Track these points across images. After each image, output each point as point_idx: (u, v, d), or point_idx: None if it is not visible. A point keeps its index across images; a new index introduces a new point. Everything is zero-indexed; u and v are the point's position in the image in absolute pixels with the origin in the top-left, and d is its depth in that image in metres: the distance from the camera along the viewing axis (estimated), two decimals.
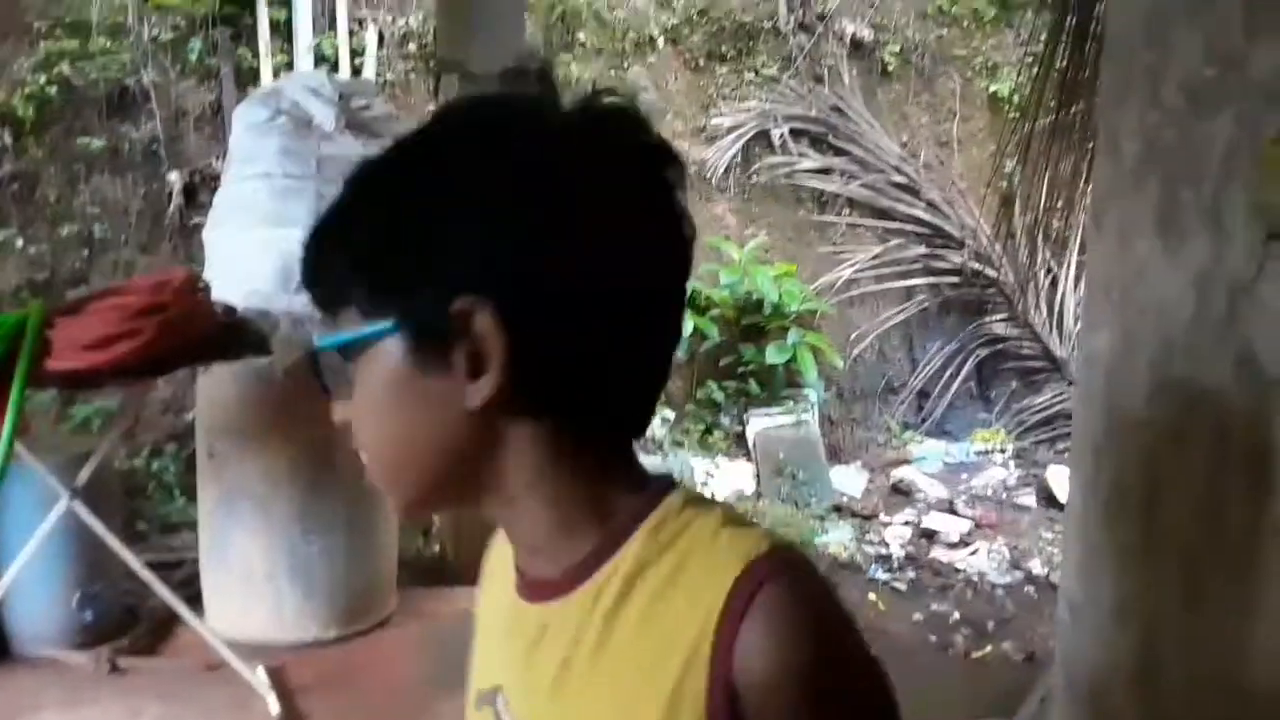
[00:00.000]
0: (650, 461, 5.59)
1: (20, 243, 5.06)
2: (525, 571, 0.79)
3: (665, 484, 0.77)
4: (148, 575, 3.29)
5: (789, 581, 0.69)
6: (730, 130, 6.49)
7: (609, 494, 0.75)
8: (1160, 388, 1.64)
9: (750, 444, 5.79)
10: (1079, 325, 2.10)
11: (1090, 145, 3.21)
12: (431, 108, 5.35)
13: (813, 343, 5.99)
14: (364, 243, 0.71)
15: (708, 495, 0.83)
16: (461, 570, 4.20)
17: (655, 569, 0.72)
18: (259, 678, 3.24)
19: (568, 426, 0.72)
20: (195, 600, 3.60)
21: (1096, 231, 1.84)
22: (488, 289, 0.67)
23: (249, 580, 3.59)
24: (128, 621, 3.66)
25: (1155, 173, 1.65)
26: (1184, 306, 1.60)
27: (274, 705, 3.16)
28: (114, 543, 3.28)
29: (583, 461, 0.73)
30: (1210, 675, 1.54)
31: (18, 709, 3.21)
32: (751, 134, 6.50)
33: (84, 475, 3.24)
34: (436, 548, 4.56)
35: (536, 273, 0.68)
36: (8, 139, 5.14)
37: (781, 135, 6.54)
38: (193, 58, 5.53)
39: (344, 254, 0.72)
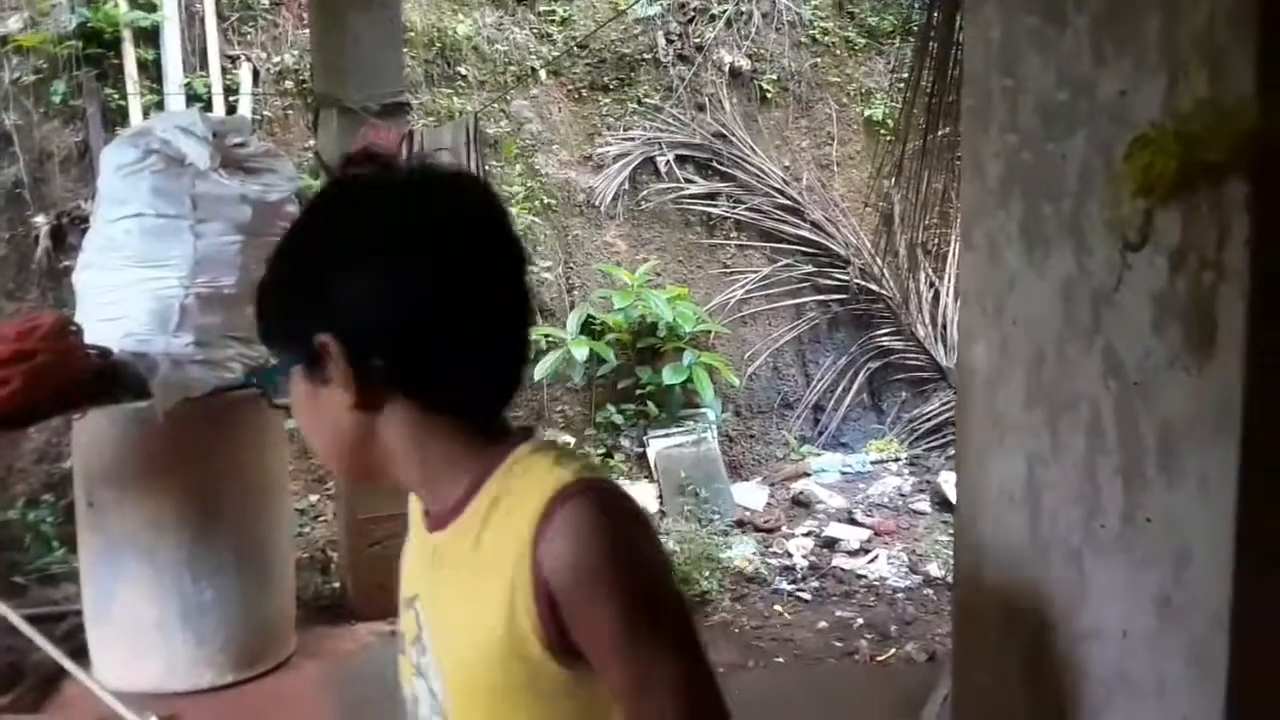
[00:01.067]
0: None
1: None
2: (427, 509, 1.07)
3: (524, 436, 1.03)
4: (29, 630, 3.17)
5: (584, 500, 0.93)
6: (617, 158, 6.55)
7: (471, 451, 1.02)
8: (1035, 393, 1.72)
9: (652, 464, 5.83)
10: (958, 336, 2.18)
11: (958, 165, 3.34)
12: (311, 143, 5.28)
13: (708, 362, 6.07)
14: (266, 304, 1.04)
15: (555, 441, 1.07)
16: (362, 606, 4.12)
17: (505, 500, 0.98)
18: None
19: (425, 411, 1.00)
20: (81, 653, 3.48)
21: (967, 247, 1.91)
22: (334, 328, 0.97)
23: (137, 630, 3.47)
24: (11, 678, 3.52)
25: (1017, 191, 1.73)
26: (1053, 316, 1.67)
27: None
28: None
29: (443, 433, 1.01)
30: (1097, 669, 1.61)
31: None
32: (638, 161, 6.58)
33: None
34: (336, 585, 4.45)
35: (364, 314, 0.96)
36: None
37: (667, 162, 6.62)
38: (56, 99, 5.34)
39: (259, 312, 1.04)
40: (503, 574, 0.94)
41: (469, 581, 0.98)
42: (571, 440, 5.98)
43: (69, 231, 5.16)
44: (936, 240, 6.45)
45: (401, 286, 0.95)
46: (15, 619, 3.17)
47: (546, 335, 6.01)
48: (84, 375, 3.20)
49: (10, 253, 5.18)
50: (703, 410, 6.05)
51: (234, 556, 3.55)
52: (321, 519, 5.17)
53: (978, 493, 1.88)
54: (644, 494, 5.62)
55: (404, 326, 0.96)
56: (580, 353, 5.84)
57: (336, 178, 1.05)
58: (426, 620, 1.06)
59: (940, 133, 3.65)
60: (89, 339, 3.30)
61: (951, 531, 5.23)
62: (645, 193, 6.59)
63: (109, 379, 3.27)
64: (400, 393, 0.98)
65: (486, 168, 4.89)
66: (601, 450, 5.97)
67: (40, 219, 5.20)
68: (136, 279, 3.46)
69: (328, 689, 3.61)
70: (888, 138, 6.56)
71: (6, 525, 4.49)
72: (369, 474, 1.04)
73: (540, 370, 5.87)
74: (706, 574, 4.55)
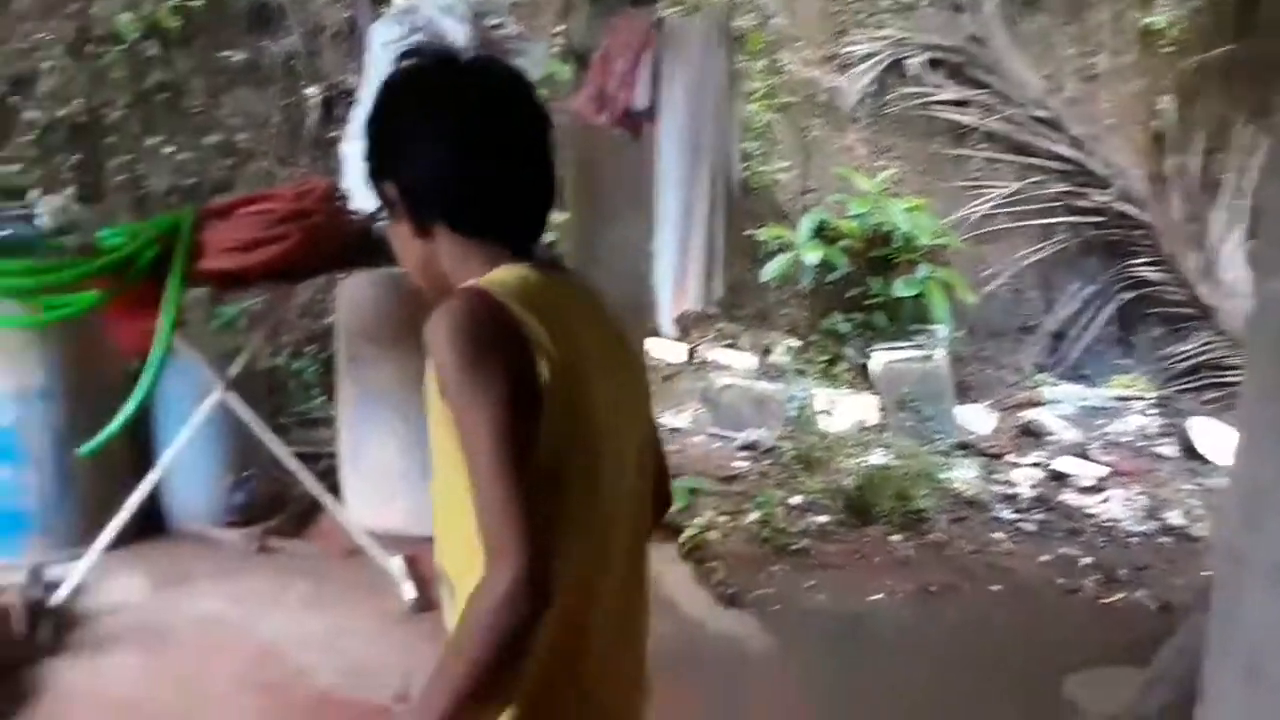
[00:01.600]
0: (772, 387, 5.47)
1: (169, 149, 5.24)
2: None
3: (541, 263, 1.30)
4: (296, 465, 3.45)
5: (454, 296, 1.21)
6: (864, 59, 6.29)
7: (495, 266, 1.27)
8: None
9: (874, 376, 5.69)
10: (1253, 267, 1.97)
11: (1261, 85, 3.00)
12: (560, 28, 5.33)
13: (943, 278, 5.84)
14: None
15: (537, 264, 1.29)
16: None
17: None
18: (395, 566, 3.40)
19: (464, 236, 1.30)
20: (334, 492, 3.75)
21: (1276, 170, 1.72)
22: (395, 179, 1.30)
23: (386, 476, 3.72)
24: (275, 505, 3.87)
25: None
26: None
27: (409, 591, 3.32)
28: (264, 433, 3.44)
29: (478, 253, 1.29)
30: None
31: (174, 577, 3.44)
32: (886, 63, 6.29)
33: (235, 369, 3.40)
34: None
35: (413, 169, 1.29)
36: (156, 49, 5.30)
37: (918, 65, 6.30)
38: None
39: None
40: None
41: None
42: (796, 343, 5.92)
43: (336, 104, 5.45)
44: (1216, 166, 5.86)
45: (436, 151, 1.28)
46: (284, 454, 3.46)
47: (777, 237, 5.93)
48: (350, 238, 3.39)
49: (284, 120, 5.53)
50: (933, 327, 5.84)
51: None
52: None
53: (1260, 438, 1.73)
54: (865, 405, 5.52)
55: (439, 179, 1.28)
56: (811, 257, 5.74)
57: (402, 65, 1.34)
58: None
59: (1236, 45, 3.28)
60: (355, 206, 3.49)
61: (1198, 480, 4.89)
62: (891, 96, 6.31)
63: (372, 244, 3.46)
64: (444, 223, 1.29)
65: (733, 61, 4.77)
66: (825, 357, 5.88)
67: (311, 90, 5.52)
68: None
69: None
70: (1170, 49, 5.96)
71: (274, 371, 4.89)
72: (442, 289, 1.30)
73: (769, 271, 5.81)
74: (924, 492, 4.45)
